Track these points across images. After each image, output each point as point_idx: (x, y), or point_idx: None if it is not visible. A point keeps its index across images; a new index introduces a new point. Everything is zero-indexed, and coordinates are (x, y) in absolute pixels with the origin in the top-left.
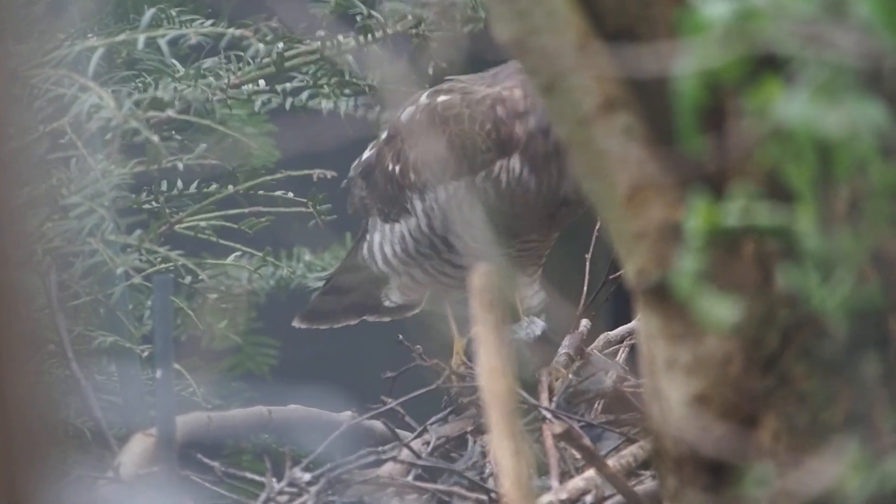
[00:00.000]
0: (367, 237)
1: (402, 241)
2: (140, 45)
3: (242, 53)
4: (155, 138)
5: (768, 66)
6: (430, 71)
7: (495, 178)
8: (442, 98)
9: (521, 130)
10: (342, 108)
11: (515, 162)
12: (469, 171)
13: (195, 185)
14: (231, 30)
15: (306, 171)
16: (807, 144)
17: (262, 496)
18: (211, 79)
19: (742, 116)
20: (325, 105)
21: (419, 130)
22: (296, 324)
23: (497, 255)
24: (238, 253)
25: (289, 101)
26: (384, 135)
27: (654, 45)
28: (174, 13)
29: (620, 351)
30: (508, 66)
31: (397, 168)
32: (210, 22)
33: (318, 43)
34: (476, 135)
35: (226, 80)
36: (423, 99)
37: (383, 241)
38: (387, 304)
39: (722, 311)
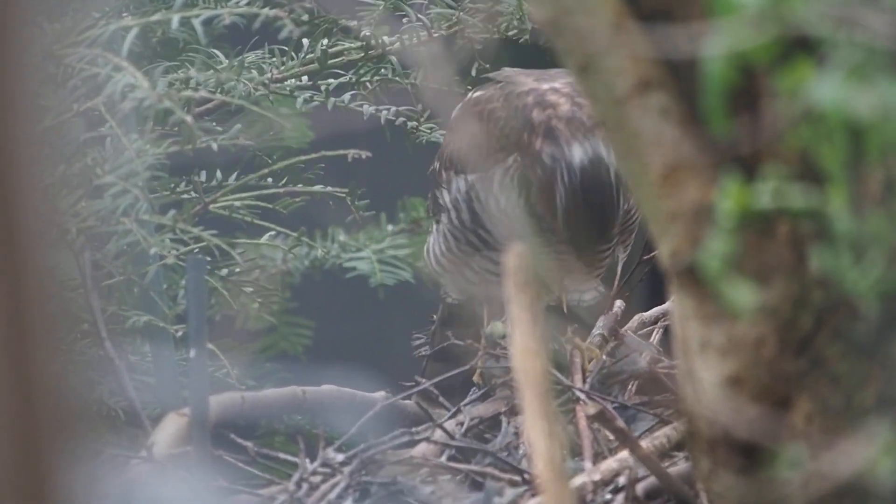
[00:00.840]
0: (428, 240)
1: (445, 241)
2: (174, 24)
3: (286, 48)
4: (189, 118)
5: (800, 47)
6: (474, 72)
7: (503, 173)
8: (478, 93)
9: (545, 116)
10: (383, 115)
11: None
12: (483, 169)
13: (234, 175)
14: (265, 10)
15: (342, 152)
16: (838, 126)
17: (296, 476)
18: (254, 72)
19: (775, 98)
20: (367, 109)
21: (453, 124)
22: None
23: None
24: (272, 233)
25: (331, 101)
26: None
27: (689, 25)
28: None
29: (654, 332)
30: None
31: (436, 163)
32: (245, 1)
33: (363, 41)
34: (490, 134)
35: (268, 75)
36: (472, 93)
37: (434, 241)
38: (448, 300)
39: (744, 296)
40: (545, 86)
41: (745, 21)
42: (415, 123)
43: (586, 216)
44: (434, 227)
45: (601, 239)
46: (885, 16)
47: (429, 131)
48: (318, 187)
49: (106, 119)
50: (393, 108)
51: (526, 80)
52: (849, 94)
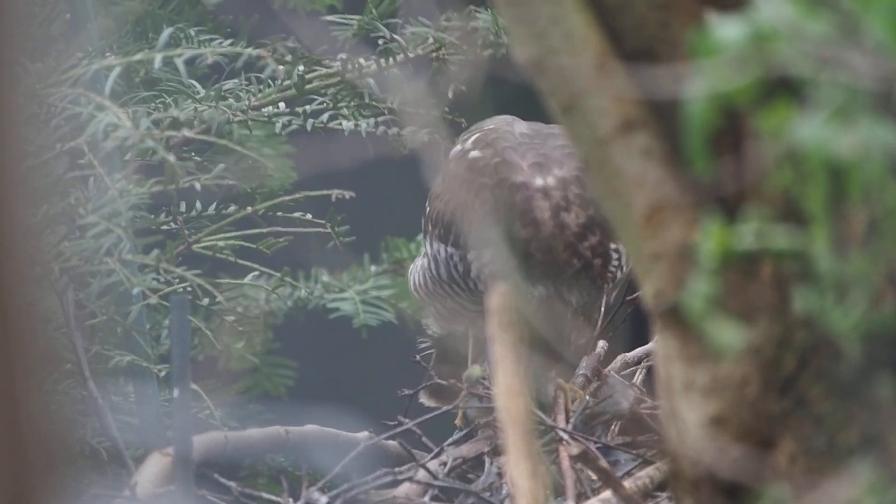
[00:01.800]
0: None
1: (422, 276)
2: (157, 64)
3: (262, 76)
4: (171, 158)
5: (782, 88)
6: (450, 94)
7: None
8: (472, 152)
9: (525, 234)
10: (363, 128)
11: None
12: (462, 246)
13: (214, 206)
14: (248, 50)
15: (325, 192)
16: (819, 167)
17: None
18: (231, 100)
19: (758, 138)
20: (346, 125)
21: (442, 184)
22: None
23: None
24: (256, 273)
25: (309, 122)
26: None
27: (673, 65)
28: (193, 32)
29: (637, 372)
30: (557, 132)
31: (426, 210)
32: (229, 42)
33: (339, 66)
34: (475, 211)
35: (246, 102)
36: (468, 144)
37: (420, 267)
38: (429, 332)
39: (729, 335)
40: (538, 182)
41: (726, 62)
42: (395, 130)
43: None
44: (422, 250)
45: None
46: (868, 56)
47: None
48: (297, 214)
49: (89, 158)
50: (372, 120)
51: (520, 164)
52: (830, 134)
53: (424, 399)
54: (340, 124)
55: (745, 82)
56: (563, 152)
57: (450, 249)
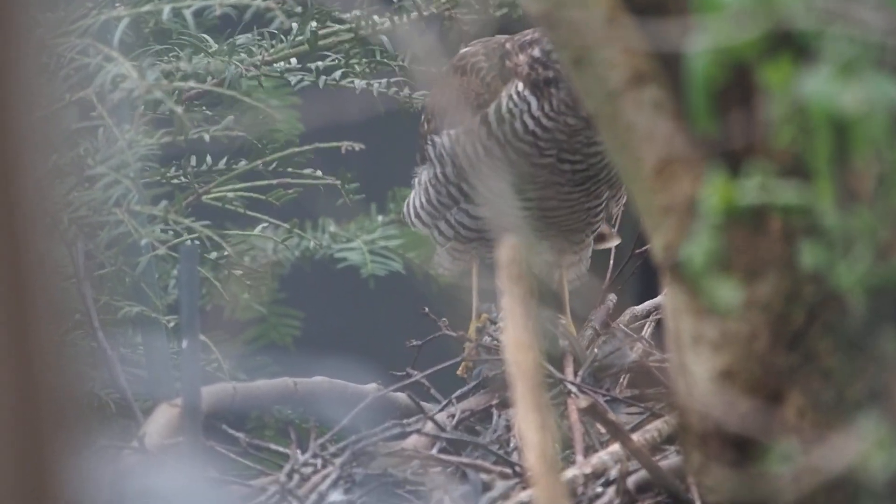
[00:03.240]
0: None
1: (425, 192)
2: (165, 14)
3: (276, 31)
4: (179, 109)
5: (788, 42)
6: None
7: (496, 112)
8: (463, 50)
9: (524, 58)
10: (375, 88)
11: (518, 87)
12: (468, 117)
13: (224, 160)
14: (257, 2)
15: (335, 144)
16: (824, 122)
17: (287, 467)
18: (244, 55)
19: (765, 93)
20: (359, 84)
21: (439, 80)
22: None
23: (515, 207)
24: (265, 224)
25: (322, 79)
26: None
27: (683, 19)
28: None
29: (646, 326)
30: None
31: (422, 116)
32: None
33: (352, 22)
34: (474, 83)
35: (259, 57)
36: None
37: (415, 195)
38: (440, 270)
39: (726, 293)
40: (527, 37)
41: (732, 17)
42: (407, 92)
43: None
44: (415, 181)
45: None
46: (875, 10)
47: (421, 100)
48: (308, 171)
49: (98, 109)
50: (384, 80)
51: (506, 38)
52: (836, 89)
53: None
54: (353, 82)
55: (750, 37)
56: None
57: (454, 132)
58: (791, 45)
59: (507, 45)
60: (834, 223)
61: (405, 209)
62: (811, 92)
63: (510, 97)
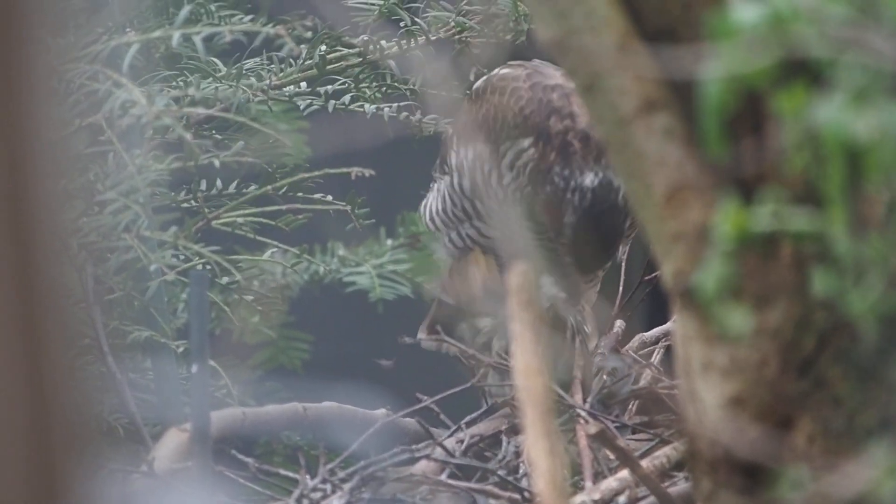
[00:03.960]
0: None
1: (442, 200)
2: (175, 41)
3: (282, 55)
4: (188, 136)
5: (801, 70)
6: (472, 76)
7: (516, 154)
8: (505, 70)
9: (563, 127)
10: (385, 113)
11: (538, 148)
12: (494, 142)
13: (234, 185)
14: (266, 28)
15: (344, 170)
16: (837, 149)
17: (296, 493)
18: (253, 79)
19: (777, 120)
20: (369, 108)
21: (474, 94)
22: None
23: (523, 234)
24: (274, 249)
25: (331, 103)
26: None
27: (695, 46)
28: (213, 8)
29: (655, 352)
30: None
31: (450, 128)
32: (249, 18)
33: (361, 46)
34: (509, 109)
35: (267, 82)
36: (499, 70)
37: (433, 198)
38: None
39: (738, 320)
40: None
41: (745, 44)
42: (418, 117)
43: (594, 239)
44: (434, 186)
45: (606, 259)
46: (888, 38)
47: (432, 125)
48: (318, 195)
49: (108, 134)
50: (395, 105)
51: (554, 74)
52: (849, 116)
53: (422, 335)
54: (362, 107)
55: (763, 64)
56: None
57: (479, 149)
58: (804, 73)
59: (556, 99)
60: (846, 250)
61: (422, 209)
62: (824, 119)
63: (533, 151)
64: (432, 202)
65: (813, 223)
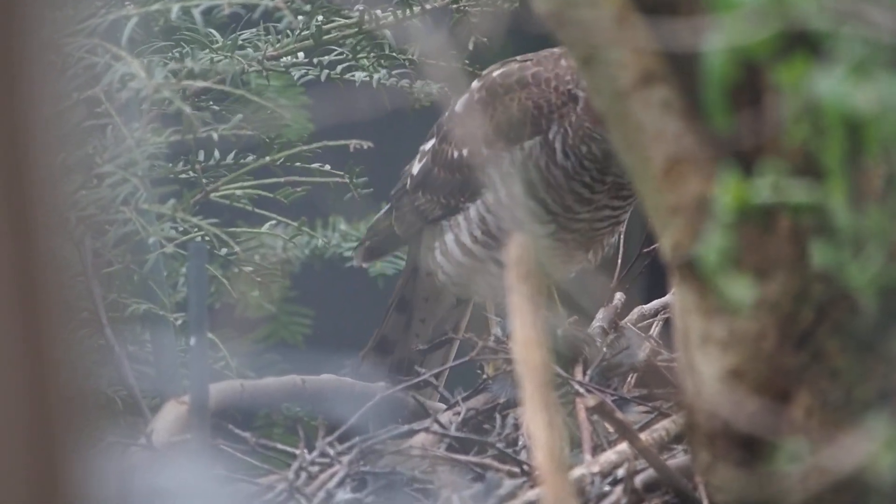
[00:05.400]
0: (436, 247)
1: (481, 223)
2: (174, 13)
3: (280, 26)
4: (187, 109)
5: (801, 42)
6: (470, 46)
7: (566, 130)
8: (498, 72)
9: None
10: (376, 79)
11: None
12: (542, 129)
13: (232, 155)
14: (266, 0)
15: (343, 142)
16: (837, 121)
17: (294, 466)
18: (249, 50)
19: (776, 93)
20: (359, 76)
21: (485, 104)
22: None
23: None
24: (273, 222)
25: (324, 73)
26: (430, 142)
27: (692, 19)
28: None
29: (654, 325)
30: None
31: (464, 151)
32: None
33: (357, 16)
34: (545, 91)
35: (263, 52)
36: (475, 83)
37: (459, 234)
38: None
39: (741, 291)
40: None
41: (745, 16)
42: (408, 82)
43: None
44: (449, 226)
45: None
46: (888, 11)
47: (426, 94)
48: (315, 165)
49: (106, 107)
50: (384, 71)
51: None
52: (848, 89)
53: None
54: (353, 76)
55: (764, 36)
56: None
57: (527, 145)
58: (804, 45)
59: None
60: (846, 222)
61: (439, 259)
62: (824, 91)
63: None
64: (462, 236)
65: (812, 195)
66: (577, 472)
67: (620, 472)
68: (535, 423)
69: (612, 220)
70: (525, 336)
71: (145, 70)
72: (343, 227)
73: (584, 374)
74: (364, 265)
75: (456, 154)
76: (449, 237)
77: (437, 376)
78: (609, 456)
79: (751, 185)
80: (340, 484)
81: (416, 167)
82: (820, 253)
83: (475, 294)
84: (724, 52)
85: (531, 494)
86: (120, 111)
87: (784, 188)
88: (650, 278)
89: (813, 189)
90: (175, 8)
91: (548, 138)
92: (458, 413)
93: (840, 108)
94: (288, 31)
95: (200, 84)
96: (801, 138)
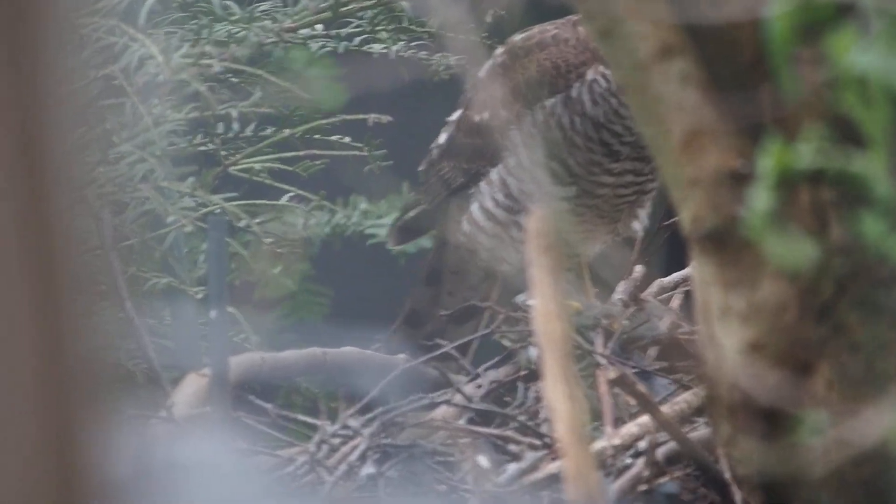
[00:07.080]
0: (462, 219)
1: (502, 186)
2: None
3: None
4: (203, 89)
5: (846, 13)
6: (489, 18)
7: (590, 84)
8: (519, 36)
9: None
10: (394, 50)
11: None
12: (562, 88)
13: (252, 127)
14: None
15: (362, 116)
16: (880, 92)
17: (316, 438)
18: (267, 22)
19: (814, 63)
20: (377, 48)
21: (506, 68)
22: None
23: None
24: (291, 194)
25: (342, 45)
26: (457, 113)
27: None
28: None
29: (674, 297)
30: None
31: (485, 114)
32: None
33: None
34: (563, 50)
35: (281, 24)
36: (498, 50)
37: (482, 201)
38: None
39: (797, 251)
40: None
41: None
42: (426, 54)
43: None
44: (474, 194)
45: None
46: None
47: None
48: (335, 137)
49: (124, 87)
50: (402, 44)
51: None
52: (891, 60)
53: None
54: (372, 48)
55: (815, 4)
56: None
57: (557, 98)
58: (851, 17)
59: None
60: (886, 192)
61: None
62: (870, 62)
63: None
64: (486, 202)
65: (851, 163)
66: (599, 444)
67: (642, 445)
68: (556, 396)
69: (636, 187)
70: (546, 308)
71: (163, 52)
72: (364, 206)
73: (605, 346)
74: (397, 248)
75: (477, 118)
76: (474, 206)
77: (462, 349)
78: (630, 428)
79: (793, 150)
80: (362, 457)
81: (442, 138)
82: (851, 223)
83: (502, 262)
84: (785, 15)
85: (552, 467)
86: (138, 89)
87: (827, 154)
88: (670, 251)
89: (850, 158)
90: None
91: (570, 96)
92: (480, 386)
93: (885, 79)
94: (307, 3)
95: (220, 63)
96: (842, 108)
